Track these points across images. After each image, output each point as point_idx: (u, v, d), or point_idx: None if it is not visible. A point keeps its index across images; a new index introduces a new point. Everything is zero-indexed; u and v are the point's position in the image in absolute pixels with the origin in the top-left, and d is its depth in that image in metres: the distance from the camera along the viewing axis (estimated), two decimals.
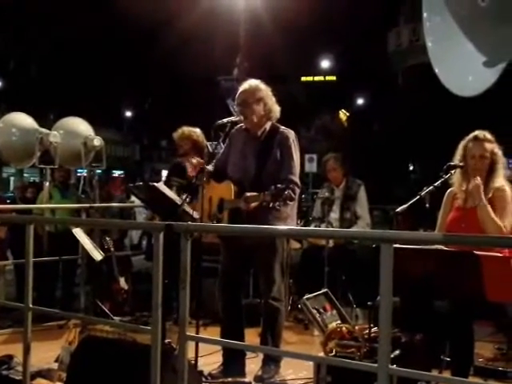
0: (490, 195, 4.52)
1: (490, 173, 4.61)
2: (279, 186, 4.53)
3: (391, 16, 34.42)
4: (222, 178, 5.06)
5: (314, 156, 19.08)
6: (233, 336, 4.75)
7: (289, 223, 4.90)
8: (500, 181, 4.58)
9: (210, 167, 5.02)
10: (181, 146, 6.87)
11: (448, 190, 4.76)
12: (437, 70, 2.85)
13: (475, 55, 2.74)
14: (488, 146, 4.61)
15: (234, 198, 4.86)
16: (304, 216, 9.03)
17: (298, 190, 4.89)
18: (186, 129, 6.93)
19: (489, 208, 4.41)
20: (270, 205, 4.55)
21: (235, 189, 4.89)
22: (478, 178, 4.48)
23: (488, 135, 4.65)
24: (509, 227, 4.47)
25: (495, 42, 2.67)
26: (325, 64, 46.62)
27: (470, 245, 3.72)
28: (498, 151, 4.64)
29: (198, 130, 6.93)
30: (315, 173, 18.66)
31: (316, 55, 45.43)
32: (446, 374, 4.16)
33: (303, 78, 46.00)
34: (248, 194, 4.69)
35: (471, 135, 4.67)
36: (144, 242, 12.20)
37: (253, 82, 5.06)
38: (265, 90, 5.02)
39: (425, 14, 2.87)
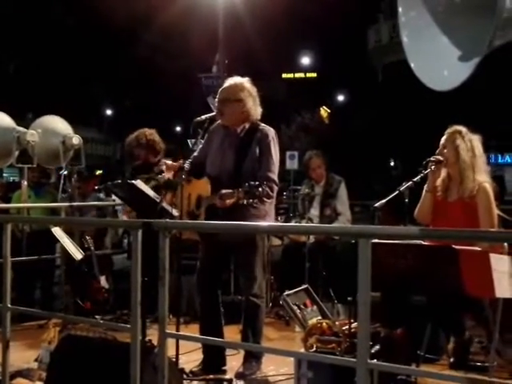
0: (469, 193, 4.56)
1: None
2: (252, 183, 4.52)
3: (371, 13, 34.50)
4: (199, 174, 5.04)
5: (296, 153, 19.02)
6: (212, 333, 4.74)
7: (267, 220, 4.89)
8: (477, 176, 4.60)
9: (186, 165, 4.96)
10: (138, 155, 6.82)
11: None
12: (412, 65, 2.87)
13: (450, 50, 2.76)
14: (455, 136, 4.70)
15: (210, 194, 4.85)
16: (285, 213, 9.05)
17: (275, 188, 4.87)
18: (130, 139, 6.89)
19: None
20: (244, 202, 4.54)
21: (211, 185, 4.87)
22: None
23: (459, 128, 4.74)
24: (496, 224, 4.53)
25: (470, 37, 2.70)
26: (305, 61, 46.76)
27: (447, 239, 3.74)
28: (467, 143, 4.69)
29: (141, 131, 6.88)
30: (296, 170, 18.62)
31: (297, 52, 45.63)
32: (423, 368, 4.20)
33: (284, 75, 46.09)
34: (223, 191, 4.66)
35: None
36: (125, 241, 12.14)
37: (238, 81, 5.02)
38: (248, 90, 4.97)
39: (400, 9, 2.88)
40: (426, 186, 4.72)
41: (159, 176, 6.47)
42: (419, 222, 4.79)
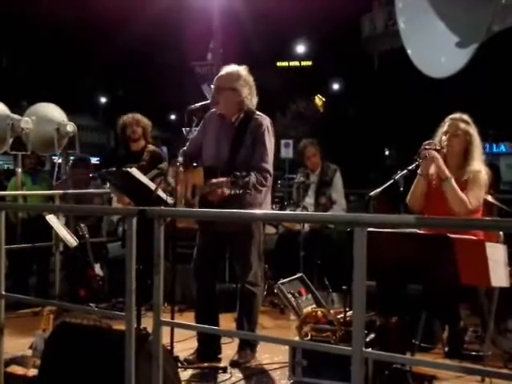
0: (466, 178, 4.55)
1: (465, 155, 4.64)
2: (238, 173, 4.51)
3: (366, 0, 34.36)
4: (194, 161, 5.02)
5: (290, 141, 19.00)
6: (207, 320, 4.75)
7: (263, 209, 4.89)
8: (475, 164, 4.59)
9: (180, 158, 4.90)
10: (135, 131, 6.85)
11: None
12: (409, 52, 2.85)
13: (448, 36, 2.74)
14: (462, 125, 4.66)
15: (204, 183, 4.83)
16: (280, 201, 9.05)
17: (269, 177, 4.84)
18: (128, 118, 6.97)
19: (453, 182, 4.45)
20: (232, 192, 4.52)
21: (206, 175, 4.84)
22: (433, 152, 4.53)
23: (464, 116, 4.71)
24: (474, 205, 4.49)
25: (468, 23, 2.68)
26: (300, 49, 46.57)
27: (442, 228, 3.73)
28: (474, 133, 4.67)
29: (140, 115, 7.02)
30: (291, 158, 18.61)
31: (291, 41, 45.37)
32: (418, 357, 4.21)
33: (279, 64, 45.93)
34: (214, 180, 4.65)
35: (448, 116, 4.74)
36: (120, 229, 12.11)
37: (234, 69, 4.98)
38: (244, 79, 4.93)
39: None
40: (419, 170, 4.69)
41: (161, 165, 6.51)
42: (411, 207, 4.76)
